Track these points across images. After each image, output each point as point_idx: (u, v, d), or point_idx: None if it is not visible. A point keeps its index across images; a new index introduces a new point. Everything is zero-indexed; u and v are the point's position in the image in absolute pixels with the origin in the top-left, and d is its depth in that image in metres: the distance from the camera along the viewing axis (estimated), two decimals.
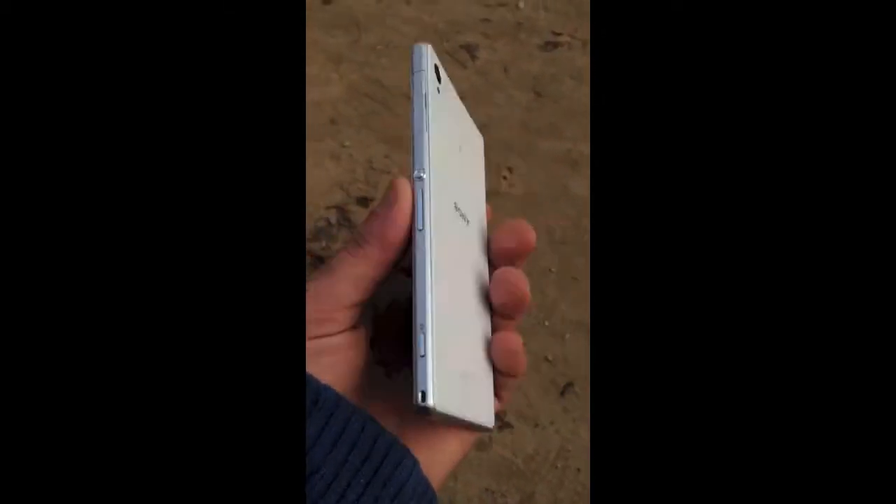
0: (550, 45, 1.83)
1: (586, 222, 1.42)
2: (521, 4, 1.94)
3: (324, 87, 1.59)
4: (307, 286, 0.25)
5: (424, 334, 0.25)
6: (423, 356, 0.24)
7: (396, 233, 0.26)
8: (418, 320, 0.25)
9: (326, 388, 0.23)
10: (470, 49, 1.77)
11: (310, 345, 0.24)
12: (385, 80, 1.63)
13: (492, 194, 1.51)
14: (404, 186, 0.26)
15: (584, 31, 1.91)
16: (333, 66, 1.65)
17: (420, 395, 0.23)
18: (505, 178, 1.49)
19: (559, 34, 1.87)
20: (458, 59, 1.73)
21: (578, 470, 1.09)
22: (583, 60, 1.81)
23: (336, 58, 1.67)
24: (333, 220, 1.36)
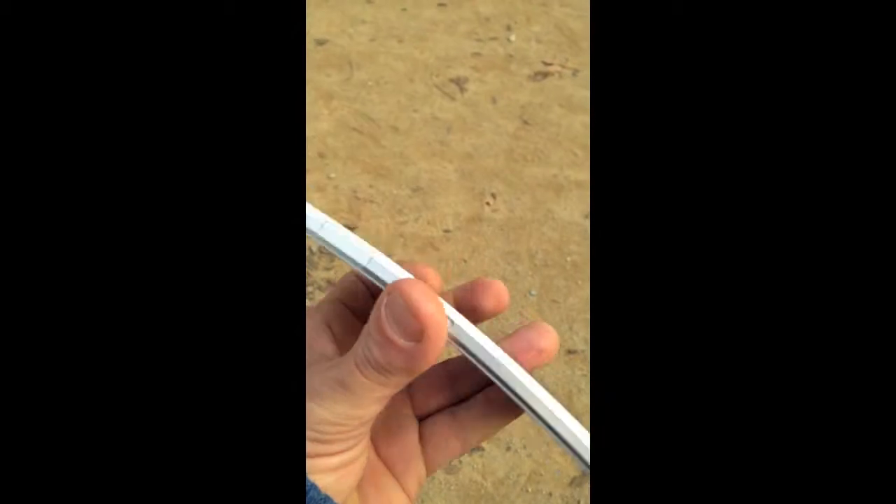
0: (540, 75, 1.85)
1: (570, 246, 1.41)
2: (513, 37, 1.98)
3: (313, 123, 1.65)
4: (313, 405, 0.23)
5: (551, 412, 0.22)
6: (566, 434, 0.22)
7: (428, 364, 0.22)
8: (534, 406, 0.22)
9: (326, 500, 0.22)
10: (459, 82, 1.81)
11: (322, 462, 0.23)
12: (373, 114, 1.68)
13: (475, 220, 1.52)
14: (435, 318, 0.21)
15: (575, 61, 1.93)
16: (324, 103, 1.71)
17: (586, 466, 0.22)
18: (488, 203, 1.50)
19: (549, 64, 1.90)
20: (446, 93, 1.77)
21: (550, 494, 1.06)
22: (572, 89, 1.83)
23: (327, 95, 1.73)
24: (315, 248, 1.39)
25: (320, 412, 0.22)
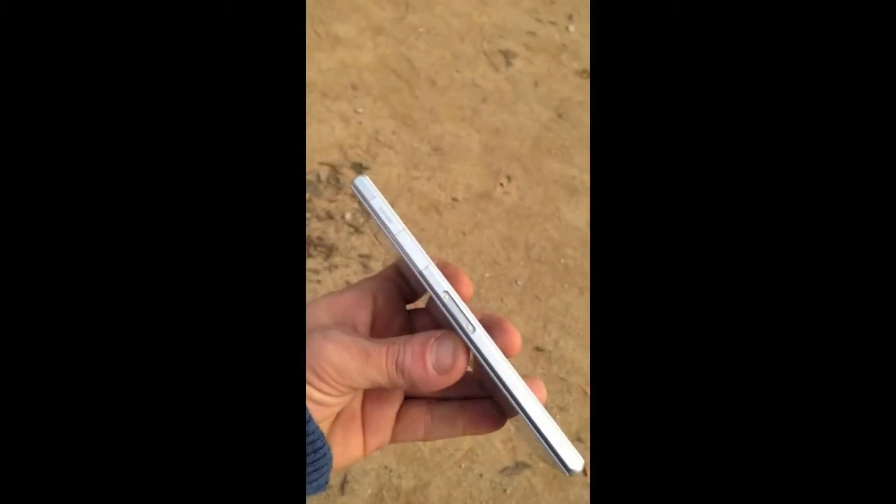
0: (587, 74, 1.84)
1: (567, 249, 1.42)
2: (572, 28, 1.95)
3: (356, 52, 1.62)
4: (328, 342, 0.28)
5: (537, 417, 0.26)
6: (548, 436, 0.26)
7: (430, 390, 0.29)
8: (524, 409, 0.26)
9: (322, 437, 0.27)
10: (507, 55, 1.79)
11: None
12: (416, 62, 1.65)
13: (484, 197, 1.52)
14: (461, 371, 0.28)
15: None
16: (371, 35, 1.67)
17: (567, 469, 0.26)
18: (502, 184, 1.50)
19: None
20: (492, 62, 1.75)
21: (480, 475, 1.09)
22: None
23: (377, 28, 1.69)
24: (324, 176, 1.38)
25: (333, 354, 0.27)
